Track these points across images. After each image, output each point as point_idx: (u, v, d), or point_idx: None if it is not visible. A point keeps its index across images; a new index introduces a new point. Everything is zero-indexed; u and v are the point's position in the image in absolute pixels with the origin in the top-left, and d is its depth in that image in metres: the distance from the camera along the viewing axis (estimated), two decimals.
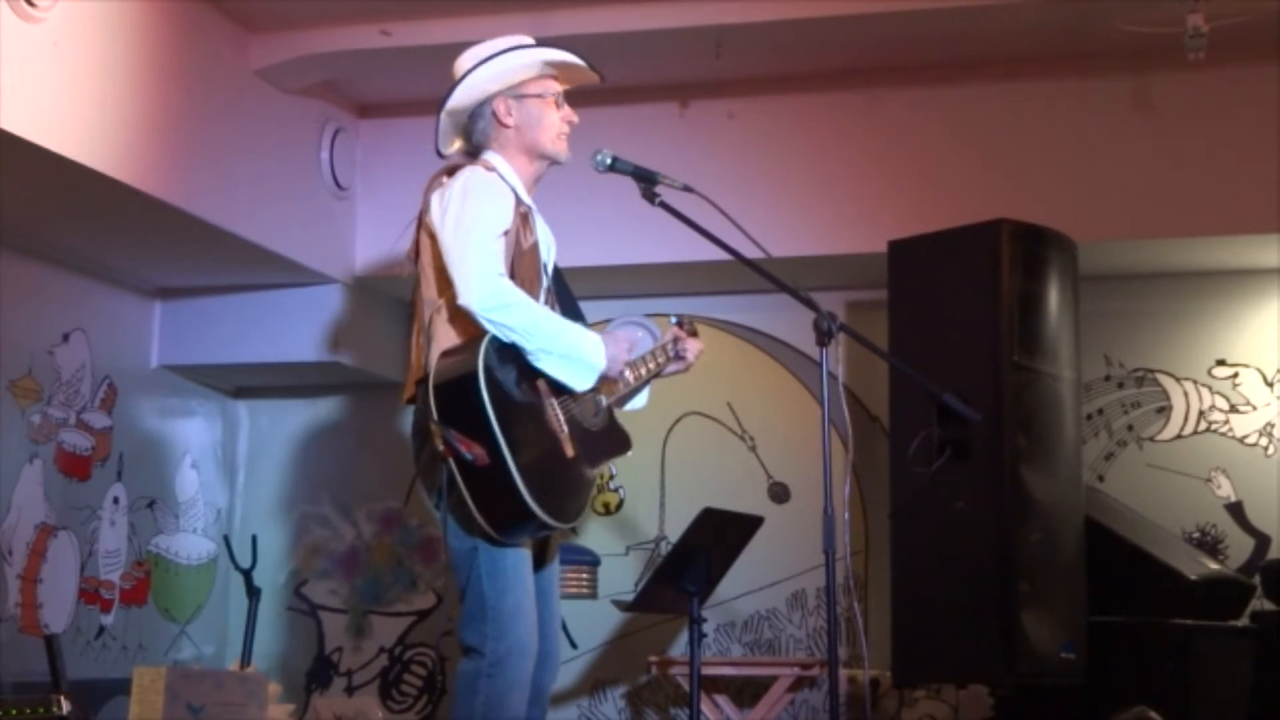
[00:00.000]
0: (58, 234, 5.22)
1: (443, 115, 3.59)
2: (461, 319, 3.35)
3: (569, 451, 3.38)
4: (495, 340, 3.29)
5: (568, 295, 3.69)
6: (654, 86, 5.54)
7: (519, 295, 3.33)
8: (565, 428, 3.40)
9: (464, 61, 3.58)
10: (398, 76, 5.58)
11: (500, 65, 3.54)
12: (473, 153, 3.60)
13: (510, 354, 3.32)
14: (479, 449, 3.18)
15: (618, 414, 3.68)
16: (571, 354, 3.38)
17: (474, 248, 3.32)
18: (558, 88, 3.61)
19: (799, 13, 4.82)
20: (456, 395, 3.24)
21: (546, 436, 3.35)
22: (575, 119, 3.61)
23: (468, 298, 3.28)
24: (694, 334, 3.89)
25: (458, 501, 3.25)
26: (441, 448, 3.20)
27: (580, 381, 3.40)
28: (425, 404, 3.28)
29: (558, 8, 4.88)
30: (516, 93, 3.56)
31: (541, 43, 3.66)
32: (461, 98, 3.56)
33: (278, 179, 5.43)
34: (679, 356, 3.80)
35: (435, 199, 3.45)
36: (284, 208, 5.44)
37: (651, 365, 3.75)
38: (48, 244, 5.29)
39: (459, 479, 3.22)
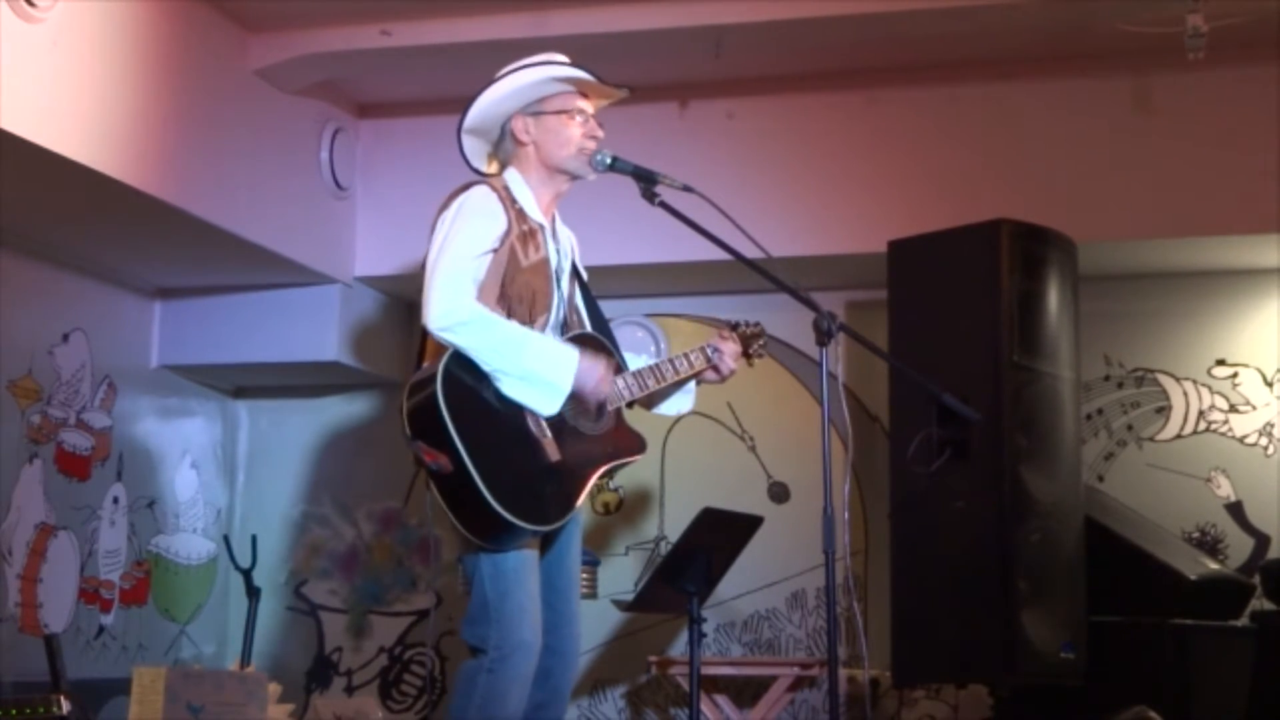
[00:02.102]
0: (58, 234, 5.22)
1: (464, 136, 3.60)
2: None
3: (552, 456, 3.37)
4: (458, 353, 3.30)
5: (593, 304, 3.69)
6: (654, 86, 5.53)
7: (476, 313, 3.31)
8: (548, 433, 3.38)
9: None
10: (398, 76, 5.59)
11: (514, 83, 3.54)
12: (501, 171, 3.62)
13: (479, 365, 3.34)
14: (443, 458, 3.21)
15: (627, 415, 3.65)
16: (530, 376, 3.34)
17: (442, 269, 3.34)
18: (580, 103, 3.59)
19: (799, 13, 4.82)
20: (420, 407, 3.27)
21: (521, 442, 3.35)
22: (600, 134, 3.59)
23: (426, 319, 3.31)
24: (753, 337, 3.79)
25: (450, 522, 3.30)
26: (414, 462, 3.26)
27: (542, 404, 3.36)
28: (401, 422, 3.32)
29: (557, 8, 4.88)
30: (534, 110, 3.56)
31: (549, 50, 3.66)
32: (481, 118, 3.57)
33: (277, 179, 5.43)
34: (714, 367, 3.72)
35: (439, 222, 3.48)
36: (284, 208, 5.44)
37: (683, 368, 3.67)
38: (48, 244, 5.29)
39: (434, 490, 3.27)
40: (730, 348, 3.74)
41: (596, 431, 3.52)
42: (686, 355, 3.70)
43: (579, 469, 3.45)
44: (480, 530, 3.28)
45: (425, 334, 3.44)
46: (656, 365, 3.65)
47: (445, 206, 3.49)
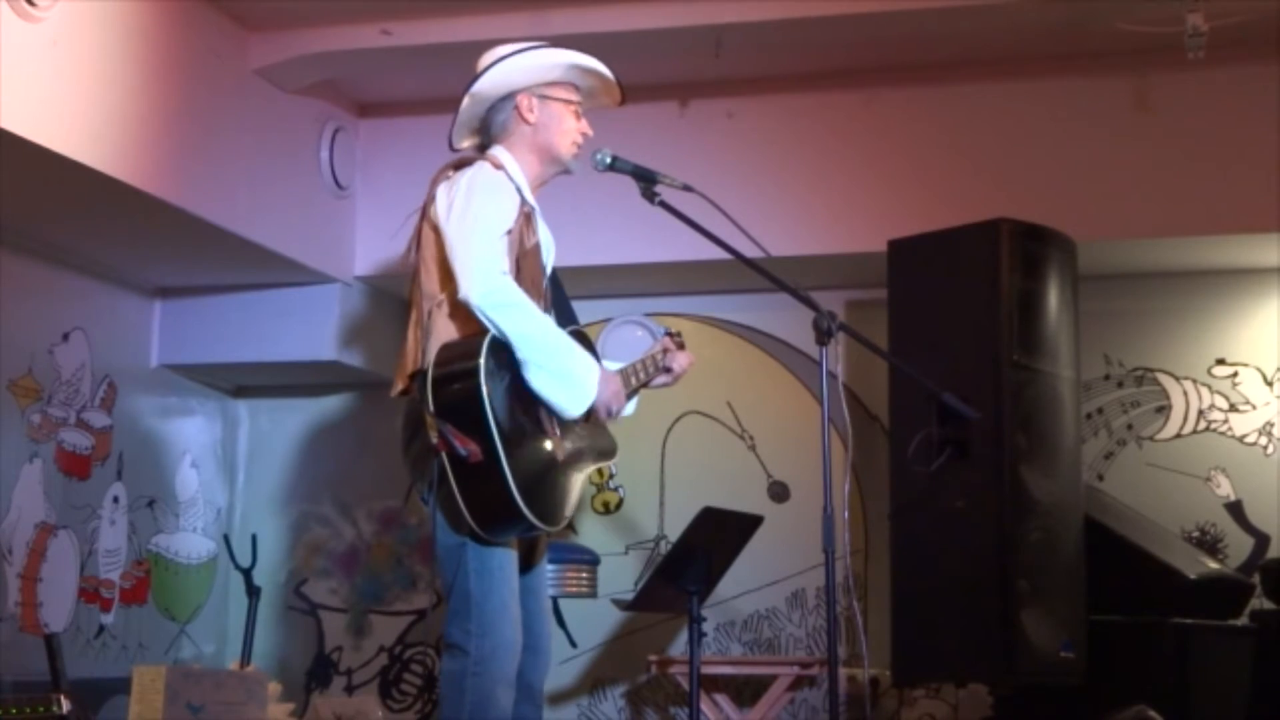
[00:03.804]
0: (58, 233, 5.22)
1: (465, 100, 3.57)
2: (461, 314, 3.34)
3: (560, 455, 3.38)
4: (496, 338, 3.29)
5: (563, 297, 3.69)
6: (654, 86, 5.54)
7: (522, 297, 3.31)
8: (557, 430, 3.39)
9: (492, 54, 3.56)
10: (398, 76, 5.59)
11: (531, 60, 3.53)
12: (484, 146, 3.59)
13: (511, 353, 3.32)
14: (473, 445, 3.17)
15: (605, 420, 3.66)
16: (565, 373, 3.33)
17: (478, 242, 3.31)
18: (578, 98, 3.60)
19: (799, 12, 4.82)
20: (455, 390, 3.23)
21: (540, 438, 3.34)
22: (590, 133, 3.60)
23: (468, 290, 3.26)
24: (682, 346, 3.88)
25: (447, 496, 3.24)
26: (436, 441, 3.19)
27: (569, 405, 3.36)
28: (423, 396, 3.27)
29: (557, 7, 4.88)
30: (541, 92, 3.55)
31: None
32: (487, 86, 3.53)
33: (278, 179, 5.43)
34: (666, 369, 3.79)
35: (441, 192, 3.44)
36: (284, 207, 5.44)
37: (642, 375, 3.73)
38: (48, 243, 5.29)
39: (450, 474, 3.21)
40: (682, 357, 3.82)
41: (585, 432, 3.52)
42: (644, 362, 3.75)
43: (574, 469, 3.45)
44: (488, 519, 3.25)
45: (414, 312, 3.43)
46: (622, 370, 3.67)
47: (446, 179, 3.46)
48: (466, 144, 3.65)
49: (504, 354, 3.29)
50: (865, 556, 5.75)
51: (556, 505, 3.35)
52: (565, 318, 3.65)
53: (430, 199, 3.47)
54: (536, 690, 3.52)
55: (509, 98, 3.54)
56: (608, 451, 3.64)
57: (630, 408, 3.81)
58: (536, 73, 3.54)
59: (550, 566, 4.64)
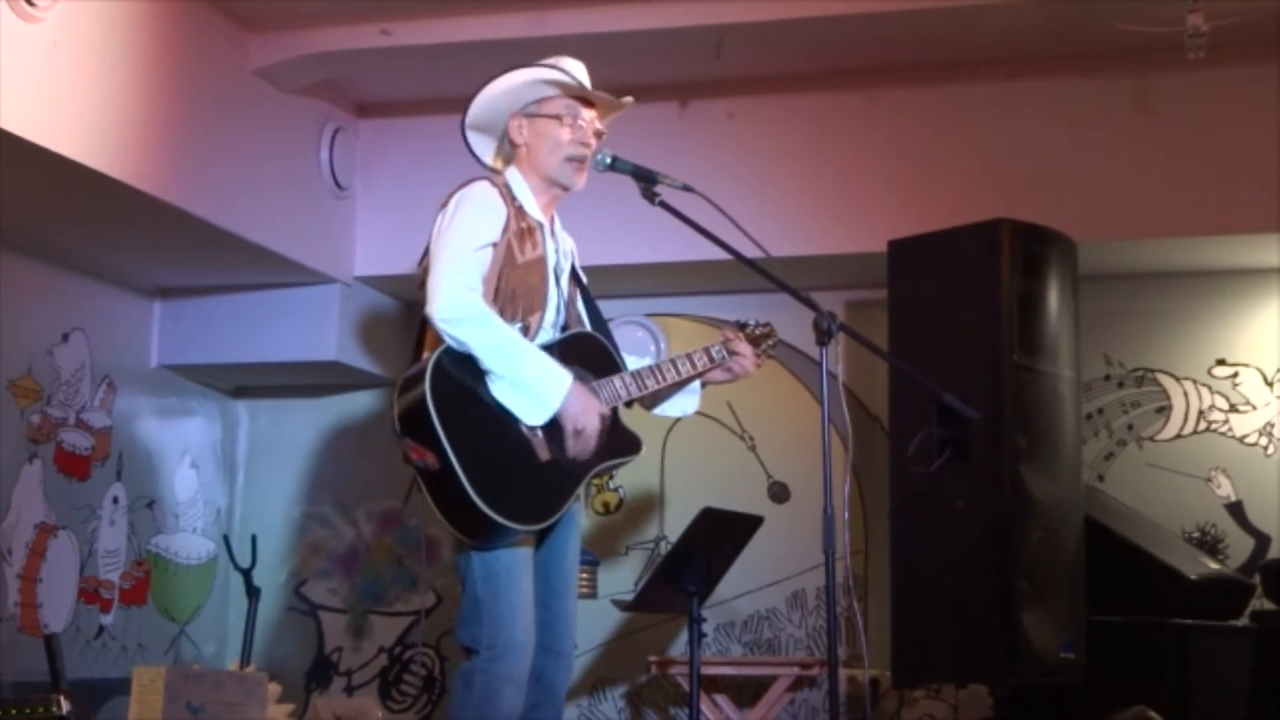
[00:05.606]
0: (58, 234, 5.22)
1: (470, 133, 3.61)
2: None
3: (542, 455, 3.37)
4: (452, 349, 3.30)
5: (590, 303, 3.67)
6: (654, 86, 5.52)
7: (481, 312, 3.30)
8: (539, 432, 3.37)
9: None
10: (398, 76, 5.59)
11: (508, 83, 3.54)
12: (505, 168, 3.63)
13: (473, 361, 3.32)
14: (430, 455, 3.21)
15: (624, 415, 3.63)
16: (522, 384, 3.31)
17: (446, 259, 3.33)
18: (577, 109, 3.55)
19: (799, 13, 4.82)
20: (409, 404, 3.28)
21: (510, 440, 3.33)
22: (591, 143, 3.54)
23: (431, 307, 3.30)
24: (762, 337, 3.76)
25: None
26: (402, 459, 3.27)
27: (528, 414, 3.33)
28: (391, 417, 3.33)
29: (557, 7, 4.88)
30: (530, 111, 3.55)
31: (556, 50, 3.66)
32: (484, 116, 3.58)
33: (277, 179, 5.43)
34: (726, 366, 3.68)
35: (441, 215, 3.47)
36: (284, 207, 5.44)
37: (685, 369, 3.63)
38: (48, 244, 5.29)
39: (422, 486, 3.28)
40: (747, 349, 3.71)
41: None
42: (690, 356, 3.66)
43: (573, 468, 3.43)
44: (467, 528, 3.28)
45: (424, 325, 3.44)
46: (657, 365, 3.61)
47: (447, 202, 3.49)
48: (499, 165, 3.66)
49: (463, 362, 3.31)
50: (865, 557, 5.75)
51: (532, 504, 3.33)
52: (594, 323, 3.64)
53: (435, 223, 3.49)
54: (558, 693, 3.51)
55: (506, 121, 3.58)
56: (624, 448, 3.58)
57: (692, 405, 3.75)
58: (518, 93, 3.55)
59: None
